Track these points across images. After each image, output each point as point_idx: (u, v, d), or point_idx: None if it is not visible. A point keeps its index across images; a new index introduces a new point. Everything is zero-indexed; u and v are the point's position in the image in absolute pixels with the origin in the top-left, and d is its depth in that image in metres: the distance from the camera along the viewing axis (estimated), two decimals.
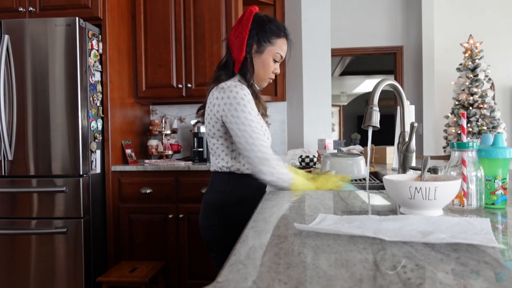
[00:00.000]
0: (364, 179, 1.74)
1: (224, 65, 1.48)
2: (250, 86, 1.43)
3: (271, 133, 3.13)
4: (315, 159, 2.29)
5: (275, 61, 1.47)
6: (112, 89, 2.63)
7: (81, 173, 2.37)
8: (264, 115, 1.51)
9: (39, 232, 2.37)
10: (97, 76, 2.54)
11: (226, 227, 1.39)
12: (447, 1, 4.57)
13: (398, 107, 1.43)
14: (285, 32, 1.48)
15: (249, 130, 1.30)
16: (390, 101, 7.01)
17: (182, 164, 2.63)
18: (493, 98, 4.31)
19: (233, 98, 1.32)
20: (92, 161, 2.46)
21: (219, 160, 1.43)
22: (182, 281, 2.58)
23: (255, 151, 1.29)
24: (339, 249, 0.57)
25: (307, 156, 2.22)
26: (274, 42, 1.44)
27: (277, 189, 1.30)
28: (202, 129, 2.94)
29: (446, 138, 4.32)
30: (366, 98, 9.43)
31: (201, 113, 1.53)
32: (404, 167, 1.35)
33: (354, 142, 9.63)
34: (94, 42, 2.50)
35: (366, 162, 1.85)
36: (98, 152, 2.54)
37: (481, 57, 4.18)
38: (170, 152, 3.02)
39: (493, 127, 4.08)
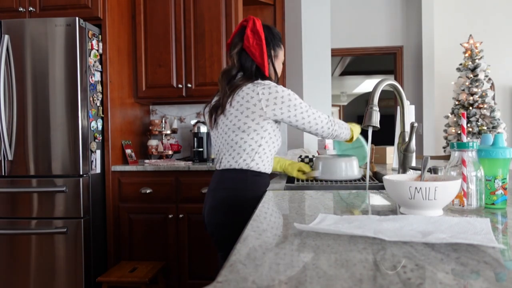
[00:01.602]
0: (363, 179, 1.74)
1: (249, 70, 1.52)
2: None
3: None
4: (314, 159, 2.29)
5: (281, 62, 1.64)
6: (112, 89, 2.63)
7: (81, 173, 2.37)
8: None
9: (39, 232, 2.37)
10: (97, 76, 2.54)
11: (236, 225, 1.38)
12: (447, 1, 4.57)
13: (398, 107, 1.43)
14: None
15: (316, 116, 1.50)
16: (390, 101, 7.00)
17: (182, 164, 2.63)
18: (493, 98, 4.31)
19: (287, 95, 1.45)
20: (92, 161, 2.46)
21: (241, 155, 1.45)
22: (182, 281, 2.58)
23: (330, 129, 1.52)
24: (339, 249, 0.57)
25: (307, 156, 2.22)
26: (281, 46, 1.61)
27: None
28: (202, 129, 2.94)
29: (446, 138, 4.32)
30: (366, 98, 9.42)
31: (221, 110, 1.49)
32: (404, 167, 1.35)
33: None
34: (94, 42, 2.50)
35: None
36: (98, 152, 2.54)
37: (481, 57, 4.18)
38: (170, 152, 3.02)
39: (493, 127, 4.08)
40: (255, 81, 1.46)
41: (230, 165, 1.46)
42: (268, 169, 1.52)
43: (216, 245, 1.48)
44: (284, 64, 3.13)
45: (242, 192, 1.42)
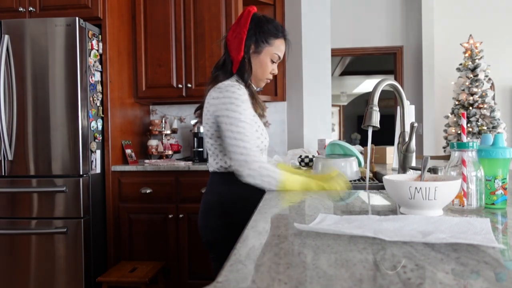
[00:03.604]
0: (363, 179, 1.74)
1: (222, 65, 1.48)
2: (248, 86, 1.43)
3: (271, 133, 3.13)
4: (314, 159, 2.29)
5: (272, 61, 1.48)
6: (112, 89, 2.63)
7: (81, 173, 2.37)
8: (261, 115, 1.49)
9: (39, 232, 2.37)
10: (97, 76, 2.54)
11: (226, 227, 1.38)
12: (447, 1, 4.57)
13: (398, 107, 1.43)
14: (283, 33, 1.48)
15: (235, 130, 1.28)
16: (390, 101, 7.01)
17: (182, 164, 2.63)
18: (493, 98, 4.32)
19: (228, 98, 1.32)
20: (92, 161, 2.46)
21: (217, 161, 1.43)
22: (182, 281, 2.58)
23: (236, 153, 1.28)
24: (339, 249, 0.57)
25: (307, 156, 2.22)
26: (271, 43, 1.45)
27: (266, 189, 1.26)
28: (202, 129, 2.93)
29: (446, 138, 4.32)
30: (366, 98, 9.42)
31: (198, 113, 1.52)
32: (404, 167, 1.35)
33: (354, 142, 9.62)
34: (94, 42, 2.50)
35: (366, 162, 1.85)
36: (98, 152, 2.54)
37: (481, 57, 4.18)
38: (170, 152, 3.02)
39: (493, 127, 4.08)
40: (219, 85, 1.38)
41: (214, 168, 1.45)
42: None
43: (206, 247, 1.48)
44: (283, 64, 3.13)
45: (227, 196, 1.40)
